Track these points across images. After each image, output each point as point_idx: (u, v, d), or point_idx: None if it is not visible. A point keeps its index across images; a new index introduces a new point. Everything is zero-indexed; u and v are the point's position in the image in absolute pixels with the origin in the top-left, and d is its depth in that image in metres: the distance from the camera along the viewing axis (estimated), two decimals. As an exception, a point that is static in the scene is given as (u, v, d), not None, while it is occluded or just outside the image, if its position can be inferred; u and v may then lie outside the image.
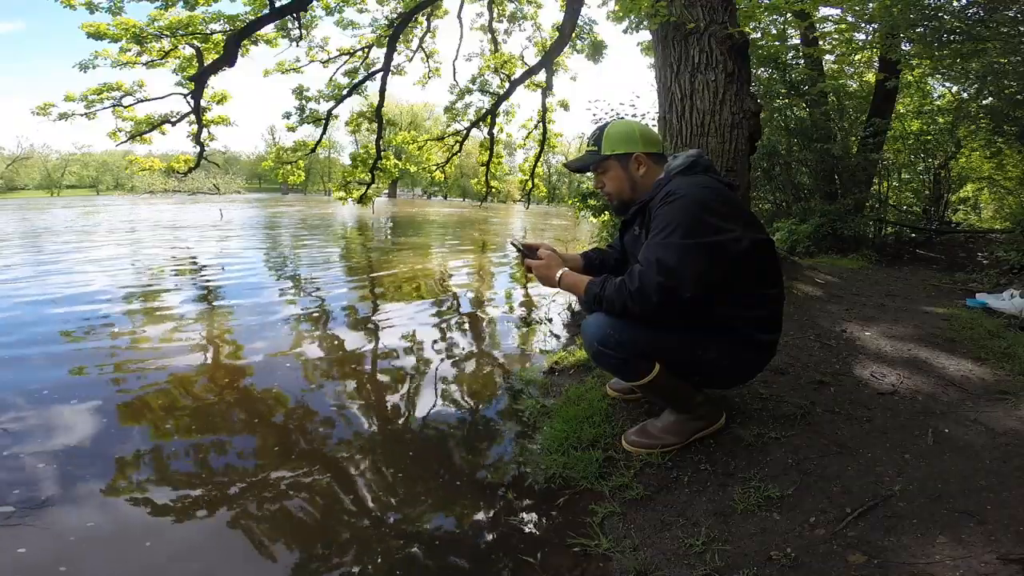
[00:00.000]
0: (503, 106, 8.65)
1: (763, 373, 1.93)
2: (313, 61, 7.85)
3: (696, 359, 1.64)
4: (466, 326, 3.99)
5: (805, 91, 6.91)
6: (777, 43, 7.35)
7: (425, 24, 8.36)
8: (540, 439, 2.01)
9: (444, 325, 3.97)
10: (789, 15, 6.99)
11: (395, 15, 7.66)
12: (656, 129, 4.02)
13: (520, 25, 8.87)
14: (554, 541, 1.50)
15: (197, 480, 1.83)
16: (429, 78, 9.17)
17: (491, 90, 8.70)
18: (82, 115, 6.28)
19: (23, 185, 53.80)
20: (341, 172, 9.80)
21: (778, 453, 1.72)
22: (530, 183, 9.96)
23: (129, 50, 6.28)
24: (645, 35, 5.23)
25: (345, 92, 7.66)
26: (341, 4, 7.47)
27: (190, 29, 6.26)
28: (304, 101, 7.66)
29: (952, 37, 5.73)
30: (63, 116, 6.19)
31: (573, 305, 4.33)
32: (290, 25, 6.93)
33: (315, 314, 4.28)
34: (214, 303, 4.67)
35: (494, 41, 8.83)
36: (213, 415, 2.35)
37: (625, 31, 4.96)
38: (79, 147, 58.21)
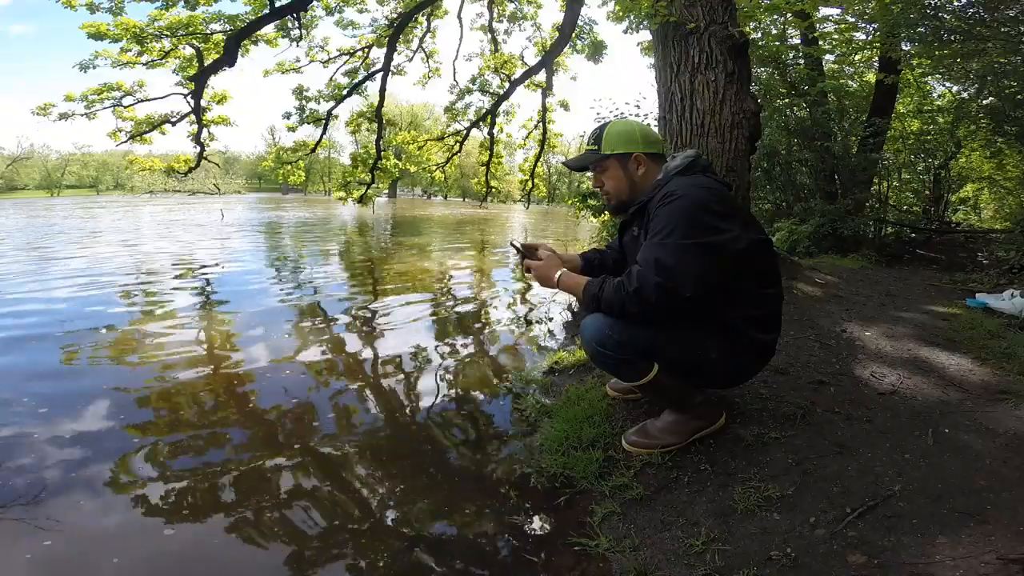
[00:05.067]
0: (503, 106, 8.64)
1: (763, 373, 1.93)
2: (313, 61, 7.84)
3: (695, 359, 1.64)
4: (466, 326, 3.99)
5: (805, 91, 6.91)
6: (777, 43, 7.34)
7: (425, 24, 8.35)
8: (540, 439, 2.01)
9: (444, 325, 3.97)
10: (789, 15, 6.99)
11: (395, 15, 7.64)
12: (656, 129, 4.02)
13: (520, 25, 8.85)
14: (554, 541, 1.50)
15: (194, 483, 1.83)
16: (429, 78, 9.15)
17: (491, 90, 8.69)
18: (82, 115, 6.26)
19: (23, 185, 53.79)
20: (341, 172, 9.79)
21: (778, 453, 1.72)
22: (530, 183, 9.95)
23: (129, 50, 6.27)
24: (645, 35, 5.22)
25: (345, 92, 7.65)
26: (341, 4, 7.46)
27: (190, 29, 6.25)
28: (304, 101, 7.65)
29: (952, 37, 5.73)
30: (63, 116, 6.18)
31: (573, 305, 4.33)
32: (290, 25, 6.92)
33: (315, 314, 4.28)
34: (214, 304, 4.67)
35: (494, 41, 8.81)
36: (210, 417, 2.35)
37: (625, 31, 4.94)
38: (79, 147, 58.29)
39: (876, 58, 7.46)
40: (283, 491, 1.77)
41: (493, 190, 9.82)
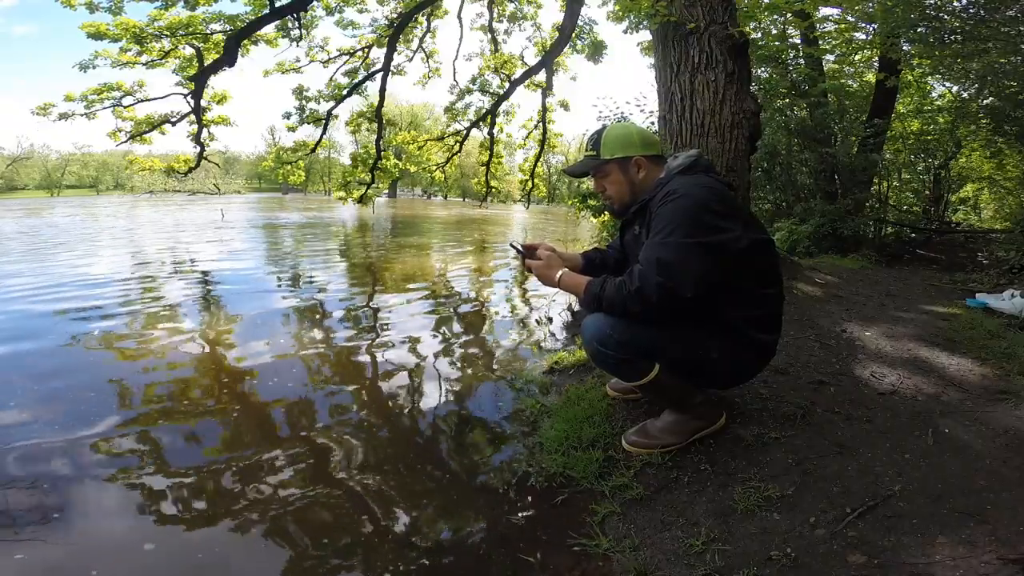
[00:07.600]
0: (503, 106, 8.63)
1: (763, 373, 1.93)
2: (313, 61, 7.83)
3: (696, 359, 1.64)
4: (466, 326, 3.99)
5: (806, 91, 6.90)
6: (777, 43, 7.34)
7: (425, 24, 8.35)
8: (540, 439, 2.01)
9: (444, 325, 3.97)
10: (789, 15, 6.99)
11: (395, 15, 7.64)
12: (656, 129, 4.02)
13: (520, 25, 8.84)
14: (554, 541, 1.50)
15: (192, 482, 1.83)
16: (429, 78, 9.15)
17: (491, 90, 8.67)
18: (82, 115, 6.26)
19: (23, 185, 53.79)
20: (341, 172, 9.78)
21: (778, 453, 1.72)
22: (530, 183, 9.95)
23: (129, 50, 6.27)
24: (645, 35, 5.22)
25: (345, 92, 7.65)
26: (341, 4, 7.46)
27: (190, 29, 6.25)
28: (304, 101, 7.65)
29: (953, 37, 5.72)
30: (63, 116, 6.18)
31: (573, 305, 4.33)
32: (290, 25, 6.92)
33: (315, 314, 4.28)
34: (214, 303, 4.67)
35: (494, 41, 8.80)
36: (210, 416, 2.35)
37: (625, 31, 4.94)
38: (79, 147, 58.25)
39: (876, 58, 7.47)
40: (281, 491, 1.77)
41: (493, 190, 9.82)
